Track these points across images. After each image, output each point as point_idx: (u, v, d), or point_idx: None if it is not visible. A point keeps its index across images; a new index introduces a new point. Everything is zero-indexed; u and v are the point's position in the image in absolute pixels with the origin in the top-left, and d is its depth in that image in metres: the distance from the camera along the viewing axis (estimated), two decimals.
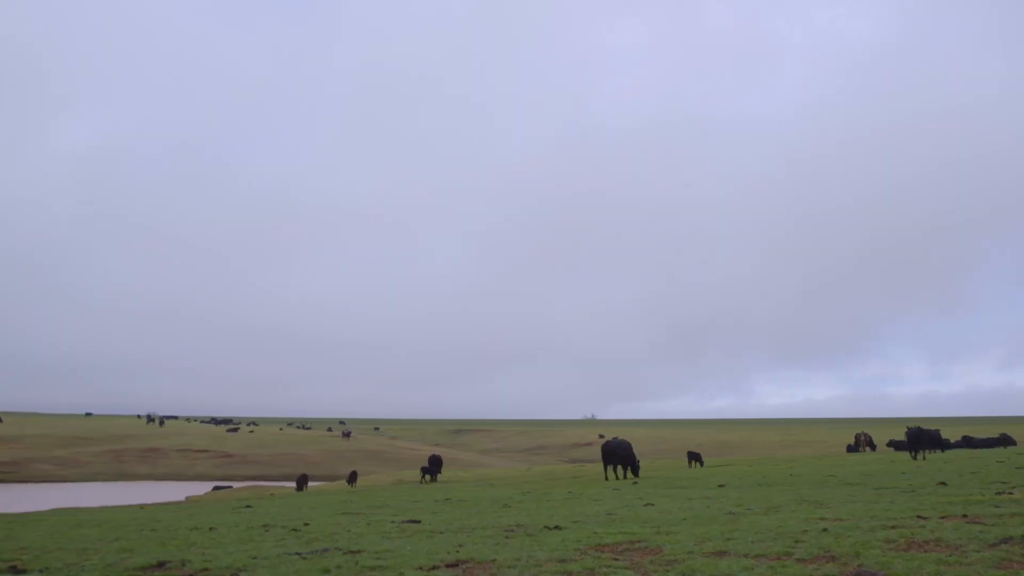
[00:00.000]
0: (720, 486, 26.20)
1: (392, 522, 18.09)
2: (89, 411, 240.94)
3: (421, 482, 51.03)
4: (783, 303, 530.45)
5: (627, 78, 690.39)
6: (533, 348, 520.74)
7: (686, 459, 52.92)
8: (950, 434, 66.93)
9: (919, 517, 13.48)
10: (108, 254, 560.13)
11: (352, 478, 53.82)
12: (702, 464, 49.37)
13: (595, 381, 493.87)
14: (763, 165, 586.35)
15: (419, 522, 17.86)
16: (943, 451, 47.75)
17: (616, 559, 10.91)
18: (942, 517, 13.41)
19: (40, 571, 11.85)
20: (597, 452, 44.06)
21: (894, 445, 61.01)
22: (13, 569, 12.05)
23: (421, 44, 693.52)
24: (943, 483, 21.61)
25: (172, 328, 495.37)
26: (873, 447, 66.44)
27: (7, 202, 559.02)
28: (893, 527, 12.37)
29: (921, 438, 43.08)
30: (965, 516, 13.39)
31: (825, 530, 12.33)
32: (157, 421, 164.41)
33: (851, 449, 67.13)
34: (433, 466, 53.79)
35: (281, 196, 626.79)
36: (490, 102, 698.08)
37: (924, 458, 40.18)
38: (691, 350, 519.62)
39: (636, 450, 38.14)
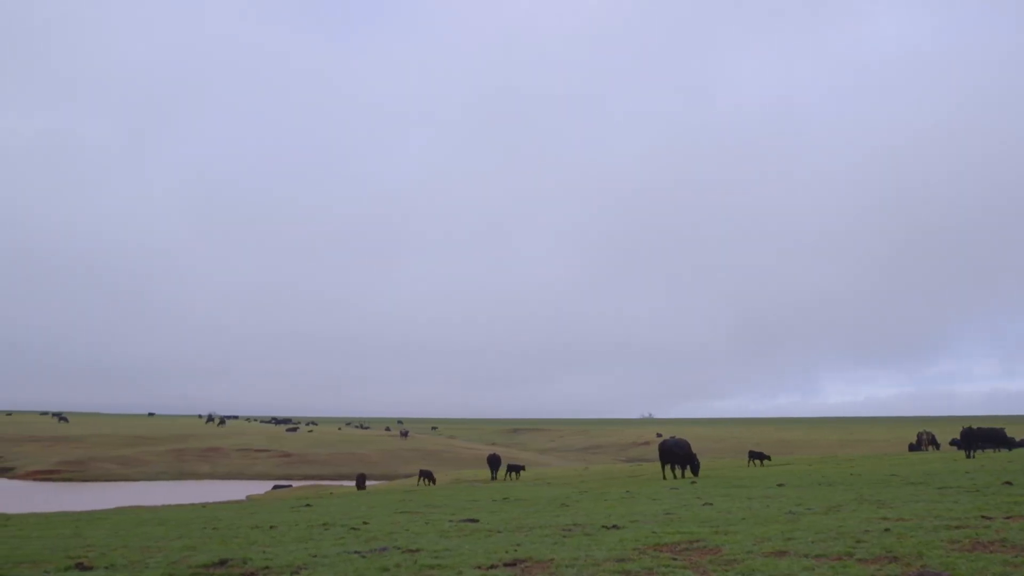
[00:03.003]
0: (779, 485, 25.95)
1: (450, 521, 18.19)
2: (152, 411, 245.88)
3: (506, 478, 51.79)
4: (855, 300, 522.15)
5: (726, 84, 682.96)
6: (598, 348, 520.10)
7: (745, 458, 52.37)
8: (1016, 432, 65.44)
9: (984, 517, 13.25)
10: (192, 263, 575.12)
11: (425, 475, 52.75)
12: (766, 461, 48.97)
13: (656, 380, 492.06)
14: (840, 164, 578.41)
15: (477, 521, 17.95)
16: (1009, 450, 46.70)
17: (675, 559, 10.89)
18: (1007, 517, 13.17)
19: (105, 568, 12.10)
20: (654, 451, 43.99)
21: (957, 444, 59.83)
22: (80, 566, 12.30)
23: (530, 56, 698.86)
24: (1008, 482, 21.14)
25: (238, 331, 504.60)
26: (936, 446, 65.23)
27: (116, 215, 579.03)
28: (957, 527, 12.18)
29: (974, 437, 42.47)
30: None
31: (887, 530, 12.19)
32: (217, 421, 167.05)
33: (913, 448, 66.00)
34: (493, 465, 54.37)
35: (375, 207, 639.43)
36: (593, 109, 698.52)
37: (971, 456, 39.63)
38: (758, 348, 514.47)
39: (693, 449, 37.89)
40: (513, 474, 52.78)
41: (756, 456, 50.13)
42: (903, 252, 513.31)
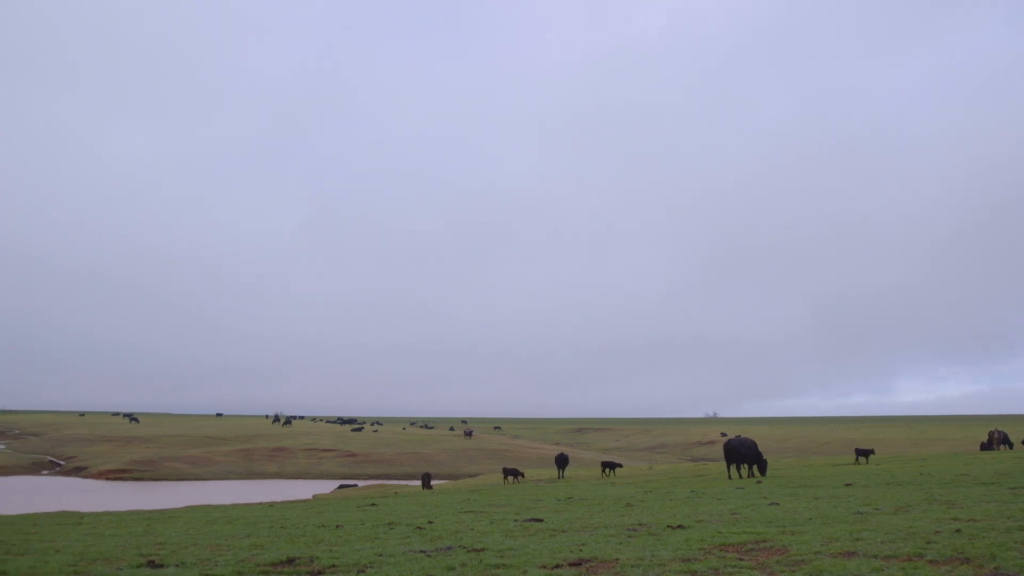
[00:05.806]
0: (847, 485, 25.61)
1: (515, 520, 18.25)
2: (220, 412, 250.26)
3: (602, 475, 52.42)
4: (934, 298, 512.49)
5: (834, 93, 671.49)
6: (668, 347, 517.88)
7: (810, 457, 51.78)
8: None
9: None
10: (288, 278, 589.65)
11: (511, 472, 52.61)
12: (870, 455, 49.13)
13: (724, 378, 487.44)
14: (925, 164, 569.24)
15: (541, 521, 18.00)
16: None
17: (741, 559, 10.86)
18: None
19: (176, 566, 12.36)
20: (719, 450, 43.67)
21: None
22: (151, 563, 12.59)
23: (641, 66, 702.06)
24: None
25: (314, 336, 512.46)
26: (1009, 445, 63.58)
27: (219, 228, 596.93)
28: None
29: None
30: None
31: (958, 531, 12.00)
32: (283, 421, 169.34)
33: (985, 447, 64.38)
34: (560, 464, 54.76)
35: (480, 215, 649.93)
36: (701, 117, 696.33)
37: None
38: (834, 346, 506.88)
39: (758, 449, 37.53)
40: (609, 471, 53.49)
41: (862, 453, 49.92)
42: (983, 248, 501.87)
